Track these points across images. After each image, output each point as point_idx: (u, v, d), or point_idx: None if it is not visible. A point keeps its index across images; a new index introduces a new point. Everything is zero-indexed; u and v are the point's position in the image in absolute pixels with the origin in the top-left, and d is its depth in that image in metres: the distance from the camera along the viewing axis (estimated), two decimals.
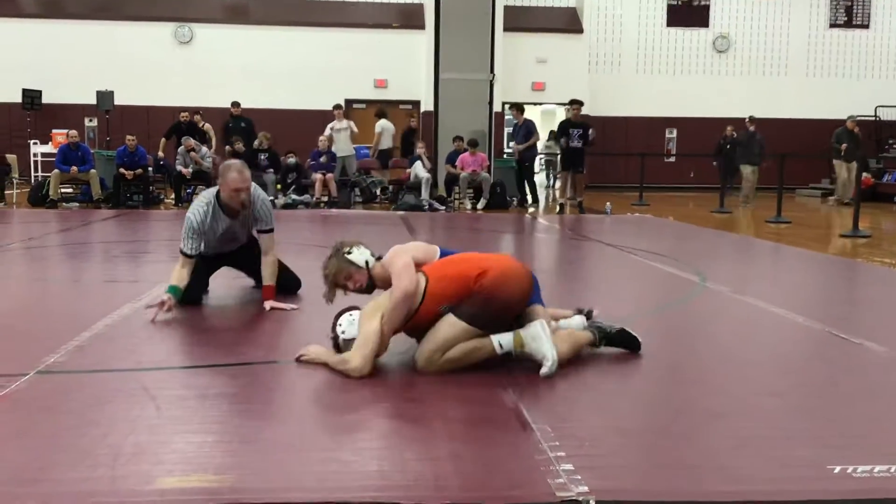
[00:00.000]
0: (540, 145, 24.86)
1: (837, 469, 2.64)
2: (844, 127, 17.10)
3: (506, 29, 20.25)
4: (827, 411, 3.34)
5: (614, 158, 20.71)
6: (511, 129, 15.80)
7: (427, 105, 19.98)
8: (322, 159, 14.99)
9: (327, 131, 15.63)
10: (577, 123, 14.22)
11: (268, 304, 5.17)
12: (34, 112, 19.58)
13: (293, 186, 14.96)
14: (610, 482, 2.52)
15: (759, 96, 22.02)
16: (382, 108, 16.98)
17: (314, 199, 14.65)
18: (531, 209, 15.00)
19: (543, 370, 3.65)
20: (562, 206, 14.62)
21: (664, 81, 22.38)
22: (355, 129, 15.61)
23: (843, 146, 16.49)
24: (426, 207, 14.42)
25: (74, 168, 13.79)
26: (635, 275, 7.24)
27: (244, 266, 5.81)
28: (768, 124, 19.19)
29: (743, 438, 2.93)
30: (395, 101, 20.64)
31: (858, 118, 17.90)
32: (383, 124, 16.09)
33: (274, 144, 15.26)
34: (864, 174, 16.28)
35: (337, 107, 16.25)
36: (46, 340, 4.21)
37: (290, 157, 15.01)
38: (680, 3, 22.44)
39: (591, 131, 14.17)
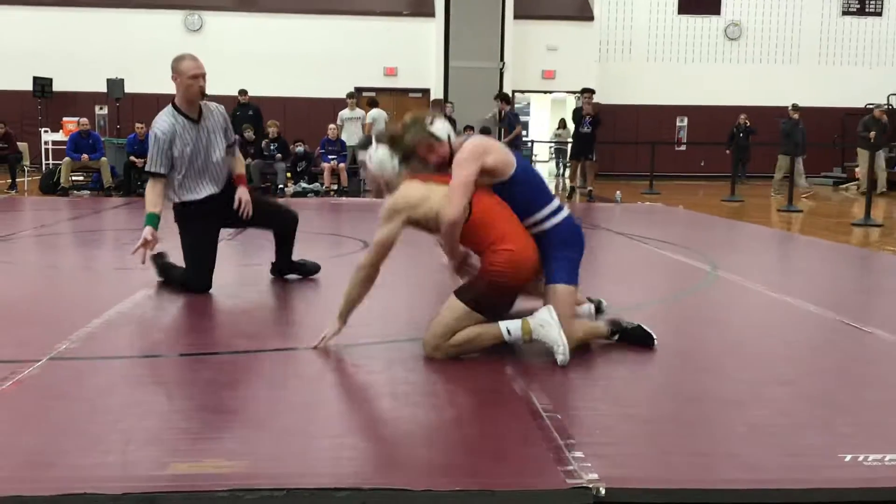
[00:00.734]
0: (549, 134, 24.86)
1: (848, 457, 2.63)
2: (871, 115, 16.78)
3: (516, 16, 20.20)
4: (838, 399, 3.33)
5: (624, 147, 20.65)
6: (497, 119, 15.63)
7: (437, 93, 19.94)
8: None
9: (338, 120, 15.62)
10: (588, 112, 14.27)
11: (241, 191, 5.22)
12: (45, 100, 19.63)
13: (303, 175, 14.97)
14: (620, 470, 2.52)
15: (770, 84, 21.91)
16: (374, 98, 16.89)
17: (324, 187, 14.66)
18: None
19: (559, 359, 3.64)
20: (571, 193, 14.59)
21: (675, 69, 22.29)
22: (369, 120, 15.46)
23: (872, 134, 16.19)
24: None
25: (85, 156, 13.83)
26: (646, 263, 7.23)
27: (248, 221, 5.41)
28: (780, 112, 19.06)
29: (754, 426, 2.92)
30: (404, 89, 20.62)
31: (870, 106, 17.74)
32: (374, 114, 16.06)
33: (283, 132, 15.26)
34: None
35: (350, 95, 16.23)
36: (59, 327, 4.22)
37: (298, 146, 15.01)
38: None
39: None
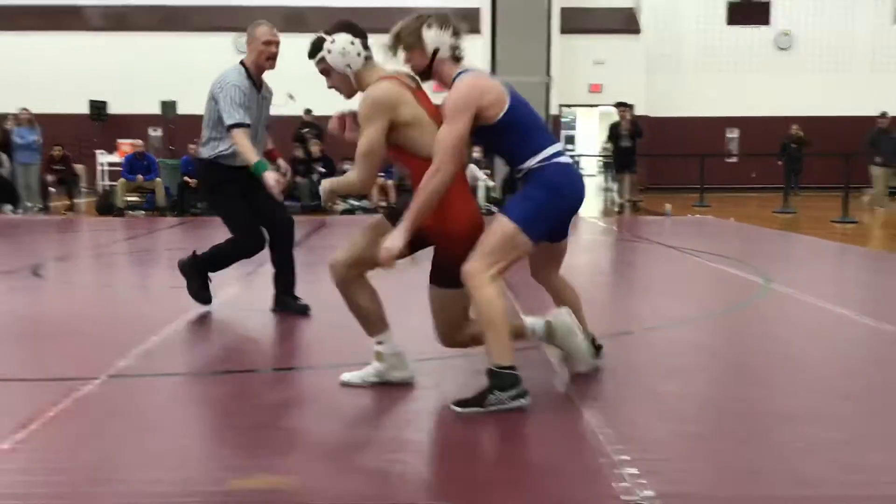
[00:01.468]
0: (597, 147, 24.73)
1: None
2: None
3: (563, 31, 20.16)
4: None
5: (673, 159, 20.45)
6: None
7: None
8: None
9: None
10: (626, 126, 14.43)
11: (282, 163, 5.17)
12: (101, 123, 20.12)
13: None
14: (676, 486, 2.49)
15: (822, 94, 21.56)
16: None
17: (373, 204, 14.76)
18: None
19: (583, 367, 3.60)
20: (620, 207, 14.52)
21: (725, 80, 22.03)
22: None
23: None
24: (484, 211, 14.42)
25: (140, 177, 14.12)
26: (697, 276, 7.15)
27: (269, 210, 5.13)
28: (832, 122, 18.77)
29: (813, 442, 2.87)
30: None
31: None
32: None
33: (329, 151, 15.45)
34: None
35: None
36: (116, 345, 4.31)
37: (346, 164, 15.15)
38: (740, 0, 22.09)
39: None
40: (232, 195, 5.04)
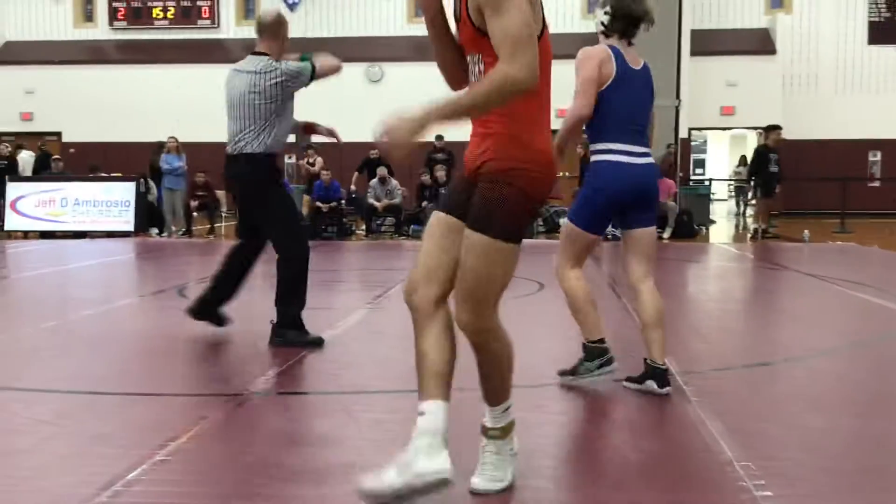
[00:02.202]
0: (729, 171, 24.08)
1: None
2: None
3: (693, 53, 19.80)
4: None
5: (810, 183, 19.69)
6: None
7: None
8: None
9: None
10: (774, 149, 13.94)
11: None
12: None
13: None
14: None
15: None
16: None
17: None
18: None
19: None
20: (755, 234, 14.07)
21: (866, 101, 21.11)
22: None
23: None
24: (609, 237, 14.25)
25: None
26: (839, 306, 6.85)
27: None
28: None
29: None
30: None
31: None
32: None
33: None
34: None
35: None
36: (255, 364, 4.48)
37: None
38: (882, 19, 21.15)
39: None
40: (285, 195, 5.34)
